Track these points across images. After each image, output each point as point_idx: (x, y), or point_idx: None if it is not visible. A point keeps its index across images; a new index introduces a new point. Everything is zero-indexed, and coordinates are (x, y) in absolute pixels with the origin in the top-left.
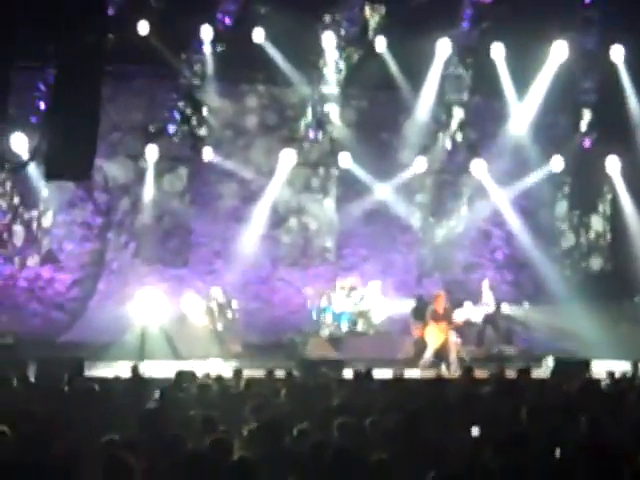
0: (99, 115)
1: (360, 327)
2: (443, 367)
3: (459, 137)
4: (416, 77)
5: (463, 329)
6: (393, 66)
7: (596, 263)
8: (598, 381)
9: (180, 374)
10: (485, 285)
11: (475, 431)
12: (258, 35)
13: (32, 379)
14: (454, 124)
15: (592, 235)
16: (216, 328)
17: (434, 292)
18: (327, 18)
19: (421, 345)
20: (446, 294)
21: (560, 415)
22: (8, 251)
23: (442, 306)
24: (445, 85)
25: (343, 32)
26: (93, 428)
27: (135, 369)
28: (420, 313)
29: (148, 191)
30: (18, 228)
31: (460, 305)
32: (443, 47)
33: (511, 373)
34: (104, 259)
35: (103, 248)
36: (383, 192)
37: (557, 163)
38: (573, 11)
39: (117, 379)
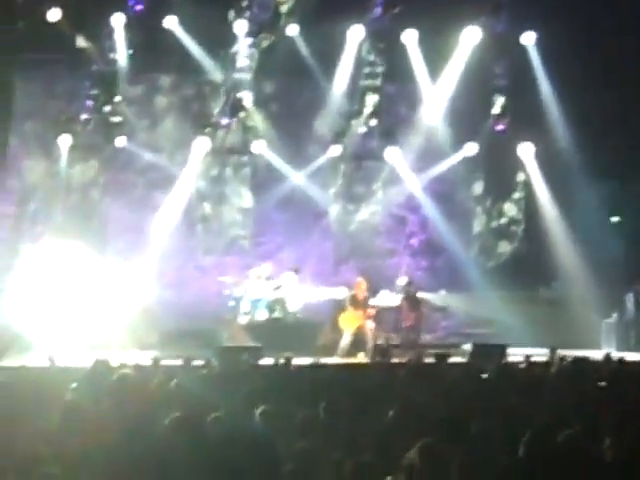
0: (11, 104)
1: (277, 314)
2: (361, 354)
3: (373, 123)
4: (329, 63)
5: (381, 315)
6: (305, 52)
7: (510, 249)
8: (515, 365)
9: (95, 363)
10: (402, 275)
11: (393, 416)
12: (170, 22)
13: None
14: (368, 110)
15: (506, 220)
16: (132, 318)
17: (354, 279)
18: (239, 4)
19: (338, 332)
20: (366, 281)
21: (478, 399)
22: None
23: (362, 293)
24: (359, 71)
25: (255, 18)
26: (13, 417)
27: (52, 360)
28: (413, 300)
29: (62, 180)
30: None
31: (377, 292)
32: (355, 33)
33: (428, 359)
34: (19, 250)
35: (18, 239)
36: (298, 179)
37: (471, 148)
38: None
39: (33, 369)
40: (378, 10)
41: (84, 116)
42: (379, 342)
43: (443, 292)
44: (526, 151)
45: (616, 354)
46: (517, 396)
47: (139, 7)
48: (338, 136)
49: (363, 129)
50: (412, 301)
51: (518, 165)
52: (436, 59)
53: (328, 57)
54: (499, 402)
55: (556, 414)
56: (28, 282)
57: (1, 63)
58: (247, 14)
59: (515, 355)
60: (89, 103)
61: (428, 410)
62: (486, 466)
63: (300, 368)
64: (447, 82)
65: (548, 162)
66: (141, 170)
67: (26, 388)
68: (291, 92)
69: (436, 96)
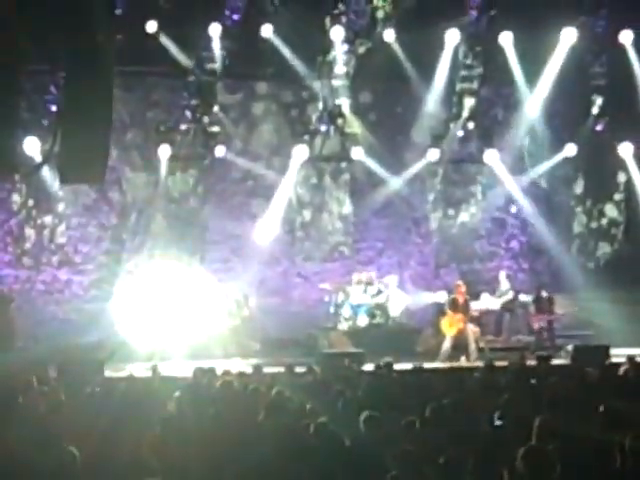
0: (111, 116)
1: (378, 320)
2: (463, 357)
3: (471, 126)
4: (426, 67)
5: (482, 319)
6: (402, 57)
7: (611, 249)
8: (618, 366)
9: (198, 371)
10: (502, 275)
11: (498, 421)
12: (266, 30)
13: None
14: (465, 113)
15: (606, 221)
16: (234, 326)
17: (453, 282)
18: (334, 11)
19: (439, 337)
20: (465, 284)
21: (580, 403)
22: (22, 255)
23: (462, 296)
24: (455, 74)
25: (351, 25)
26: (117, 426)
27: (155, 369)
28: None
29: (162, 190)
30: (31, 232)
31: (478, 296)
32: (452, 37)
33: (531, 361)
34: (120, 260)
35: (119, 249)
36: (397, 184)
37: (570, 149)
38: None
39: (136, 379)
40: (474, 13)
41: (183, 126)
42: (481, 345)
43: (545, 294)
44: (626, 151)
45: None
46: (620, 398)
47: (236, 17)
48: (436, 140)
49: (461, 132)
50: (542, 303)
51: (619, 165)
52: (533, 61)
53: (425, 61)
54: (602, 405)
55: None
56: (131, 291)
57: (100, 75)
58: (343, 20)
59: (618, 356)
60: (188, 113)
61: (531, 413)
62: (588, 470)
63: (402, 373)
64: (545, 83)
65: None
66: (239, 179)
67: (130, 397)
68: (388, 97)
69: (534, 97)
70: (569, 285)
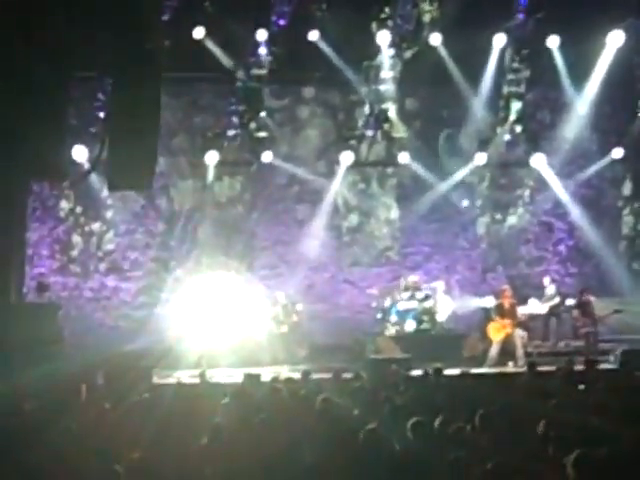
0: (159, 123)
1: (425, 325)
2: (510, 363)
3: (518, 130)
4: (472, 71)
5: (529, 324)
6: (449, 61)
7: None
8: None
9: (246, 378)
10: (547, 280)
11: (546, 426)
12: (313, 35)
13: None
14: (513, 117)
15: None
16: (282, 332)
17: (499, 287)
18: (381, 15)
19: (487, 342)
20: (511, 289)
21: (629, 408)
22: (70, 262)
23: (508, 301)
24: (502, 78)
25: (397, 29)
26: (165, 432)
27: (203, 375)
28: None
29: (210, 196)
30: (79, 239)
31: (525, 300)
32: (499, 40)
33: (579, 366)
34: (168, 267)
35: (167, 256)
36: (443, 188)
37: (617, 152)
38: None
39: (184, 385)
40: (521, 16)
41: (230, 132)
42: (529, 350)
43: (585, 297)
44: None
45: None
46: None
47: (282, 22)
48: (483, 144)
49: (508, 136)
50: (586, 307)
51: None
52: (580, 63)
53: (471, 65)
54: None
55: None
56: (179, 298)
57: (148, 82)
58: (390, 25)
59: None
60: (235, 119)
61: (579, 418)
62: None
63: (449, 378)
64: (592, 86)
65: None
66: (285, 184)
67: (178, 404)
68: (435, 102)
69: (581, 100)
70: (618, 289)
